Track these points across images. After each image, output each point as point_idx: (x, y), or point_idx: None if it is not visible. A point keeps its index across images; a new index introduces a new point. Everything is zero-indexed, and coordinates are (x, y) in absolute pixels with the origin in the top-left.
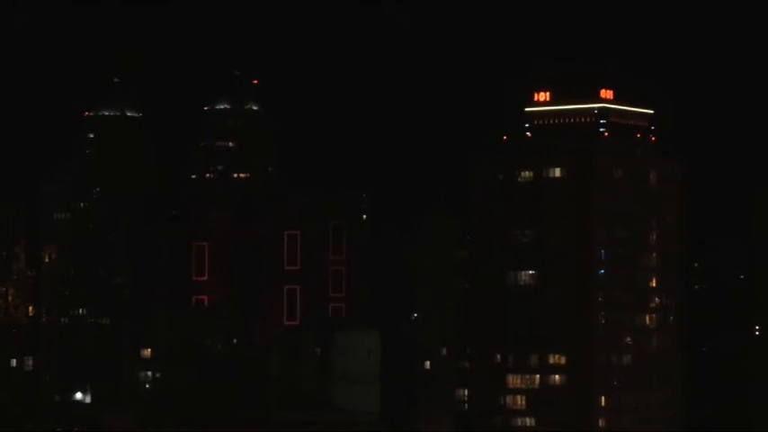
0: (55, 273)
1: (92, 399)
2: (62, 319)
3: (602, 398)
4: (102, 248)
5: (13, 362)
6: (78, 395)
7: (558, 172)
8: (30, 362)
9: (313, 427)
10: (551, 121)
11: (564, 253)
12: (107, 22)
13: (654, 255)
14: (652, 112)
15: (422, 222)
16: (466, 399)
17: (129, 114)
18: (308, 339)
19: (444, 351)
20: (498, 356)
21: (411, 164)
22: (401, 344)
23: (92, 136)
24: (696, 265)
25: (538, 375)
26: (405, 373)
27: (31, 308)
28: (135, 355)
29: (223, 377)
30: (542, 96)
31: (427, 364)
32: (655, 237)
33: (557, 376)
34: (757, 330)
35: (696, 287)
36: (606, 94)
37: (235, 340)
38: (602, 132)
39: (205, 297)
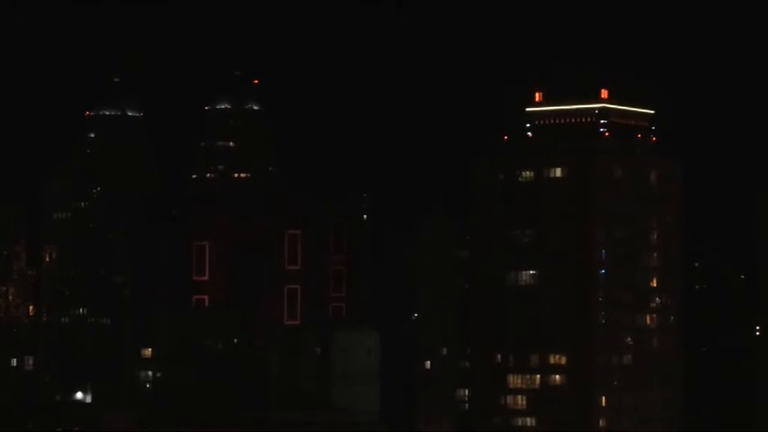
0: (55, 272)
1: (92, 399)
2: (62, 319)
3: (603, 398)
4: (102, 248)
5: (14, 361)
6: (78, 395)
7: (558, 172)
8: (30, 361)
9: (313, 427)
10: (552, 121)
11: (564, 253)
12: (107, 22)
13: (654, 255)
14: (652, 112)
15: (422, 222)
16: (466, 399)
17: (129, 114)
18: (308, 339)
19: (444, 351)
20: (498, 356)
21: (411, 164)
22: (401, 344)
23: (92, 136)
24: (696, 265)
25: (538, 375)
26: (405, 373)
27: (31, 307)
28: (135, 355)
29: (223, 377)
30: (542, 96)
31: (427, 364)
32: (655, 237)
33: (557, 376)
34: (757, 330)
35: (696, 287)
36: (606, 94)
37: (235, 340)
38: (603, 132)
39: (205, 297)
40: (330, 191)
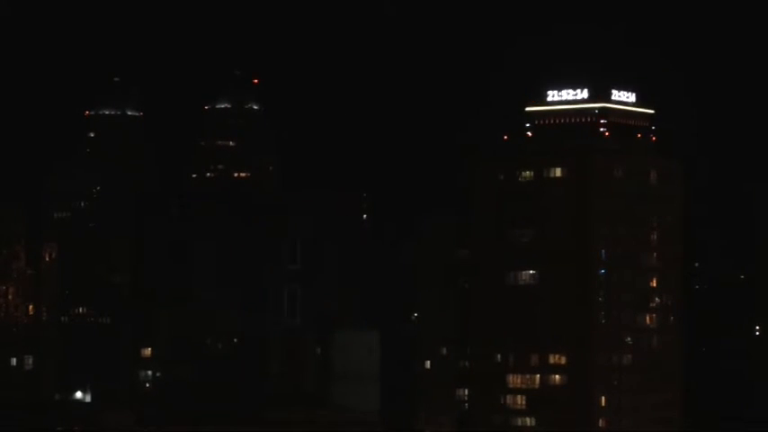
0: (55, 272)
1: (92, 398)
2: (62, 318)
3: (602, 398)
4: (102, 248)
5: (13, 361)
6: (78, 394)
7: (558, 172)
8: (30, 361)
9: (313, 425)
10: (551, 121)
11: (564, 253)
12: (107, 21)
13: (654, 255)
14: (652, 112)
15: (422, 222)
16: (466, 398)
17: (129, 113)
18: (308, 339)
19: (444, 351)
20: (498, 356)
21: (411, 164)
22: (401, 344)
23: (92, 135)
24: (696, 265)
25: (538, 375)
26: (405, 373)
27: (31, 307)
28: (135, 355)
29: (223, 376)
30: (542, 96)
31: (427, 363)
32: (655, 237)
33: (557, 376)
34: (757, 331)
35: (696, 287)
36: (606, 94)
37: (235, 340)
38: (603, 132)
39: (204, 297)
40: (330, 191)
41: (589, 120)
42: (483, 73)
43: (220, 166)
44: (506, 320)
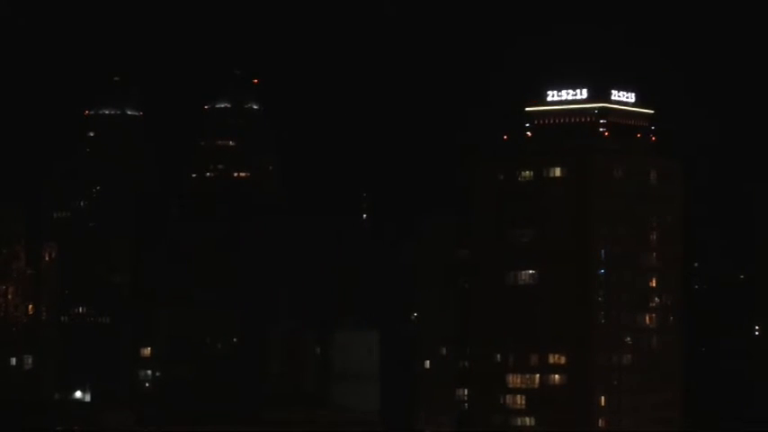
0: (55, 272)
1: (91, 397)
2: (62, 318)
3: (602, 398)
4: (102, 248)
5: (13, 360)
6: (78, 394)
7: (558, 172)
8: (29, 360)
9: (313, 425)
10: (551, 121)
11: (564, 253)
12: (107, 21)
13: (654, 255)
14: (652, 112)
15: (422, 222)
16: (466, 399)
17: (129, 113)
18: (308, 339)
19: (444, 351)
20: (498, 356)
21: (411, 164)
22: (401, 344)
23: (92, 135)
24: (696, 265)
25: (538, 375)
26: (405, 373)
27: (30, 306)
28: (135, 354)
29: (223, 376)
30: (542, 96)
31: (427, 363)
32: (655, 237)
33: (556, 376)
34: (757, 330)
35: (696, 287)
36: (606, 94)
37: (234, 340)
38: (603, 132)
39: (204, 297)
40: (330, 191)
41: (589, 120)
42: (483, 73)
43: (220, 166)
44: (506, 320)
